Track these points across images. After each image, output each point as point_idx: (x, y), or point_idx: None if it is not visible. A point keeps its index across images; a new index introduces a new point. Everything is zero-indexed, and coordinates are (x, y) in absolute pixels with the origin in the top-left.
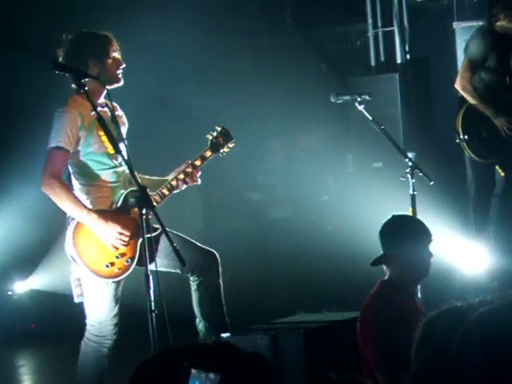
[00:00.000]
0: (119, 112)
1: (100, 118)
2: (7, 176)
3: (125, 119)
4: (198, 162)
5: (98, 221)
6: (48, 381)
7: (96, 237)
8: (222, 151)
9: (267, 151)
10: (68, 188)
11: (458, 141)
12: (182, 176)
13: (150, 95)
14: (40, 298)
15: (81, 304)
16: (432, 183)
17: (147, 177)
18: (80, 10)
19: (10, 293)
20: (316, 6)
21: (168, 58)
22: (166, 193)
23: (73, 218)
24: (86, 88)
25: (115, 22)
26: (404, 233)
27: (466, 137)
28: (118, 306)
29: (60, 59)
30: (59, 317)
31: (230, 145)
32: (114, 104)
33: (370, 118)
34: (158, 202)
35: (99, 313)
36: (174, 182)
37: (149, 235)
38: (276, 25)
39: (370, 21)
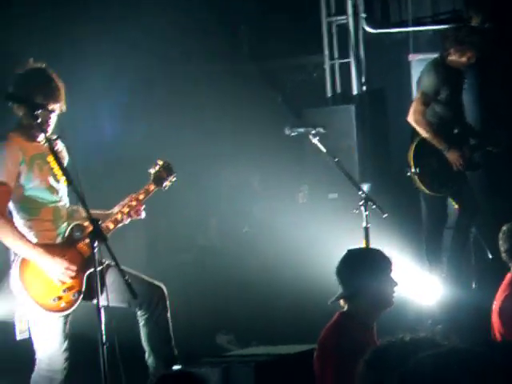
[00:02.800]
0: (59, 146)
1: (53, 150)
2: None
3: (65, 153)
4: (141, 196)
5: (43, 255)
6: None
7: (42, 271)
8: (164, 185)
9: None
10: (12, 223)
11: (409, 174)
12: (126, 210)
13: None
14: None
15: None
16: (385, 216)
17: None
18: None
19: None
20: (272, 38)
21: (119, 92)
22: (111, 226)
23: (16, 255)
24: (39, 120)
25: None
26: (363, 267)
27: (417, 170)
28: (67, 341)
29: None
30: (7, 350)
31: (173, 179)
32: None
33: (324, 151)
34: None
35: (48, 348)
36: (118, 216)
37: (99, 268)
38: (233, 55)
39: (326, 52)
